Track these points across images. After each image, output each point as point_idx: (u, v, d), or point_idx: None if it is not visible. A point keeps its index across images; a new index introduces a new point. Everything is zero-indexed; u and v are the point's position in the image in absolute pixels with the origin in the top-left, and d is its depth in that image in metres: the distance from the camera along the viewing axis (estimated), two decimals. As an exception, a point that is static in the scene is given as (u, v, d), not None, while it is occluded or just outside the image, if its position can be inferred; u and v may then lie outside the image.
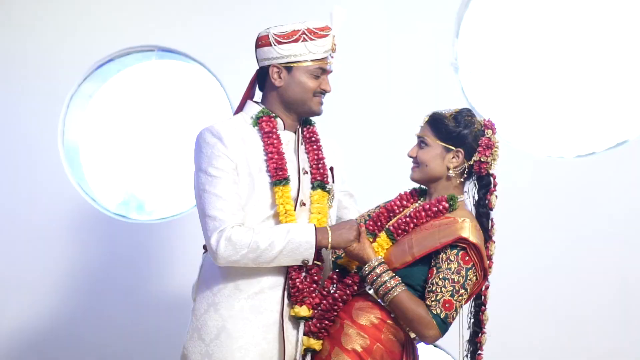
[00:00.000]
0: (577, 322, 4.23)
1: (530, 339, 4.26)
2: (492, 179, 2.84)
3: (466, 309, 2.87)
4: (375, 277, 2.72)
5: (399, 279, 2.71)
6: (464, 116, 2.83)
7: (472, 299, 2.86)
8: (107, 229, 4.79)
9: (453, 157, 2.81)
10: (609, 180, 4.26)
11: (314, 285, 2.84)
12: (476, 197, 2.86)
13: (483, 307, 2.87)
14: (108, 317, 4.73)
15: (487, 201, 2.84)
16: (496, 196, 2.84)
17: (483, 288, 2.84)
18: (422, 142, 2.86)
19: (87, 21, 4.87)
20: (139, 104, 5.10)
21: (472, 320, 2.88)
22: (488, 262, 2.81)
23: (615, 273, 4.21)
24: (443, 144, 2.82)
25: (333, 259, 2.90)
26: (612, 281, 4.20)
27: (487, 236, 2.82)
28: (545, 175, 4.32)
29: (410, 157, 2.88)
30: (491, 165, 2.83)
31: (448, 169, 2.82)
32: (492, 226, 2.84)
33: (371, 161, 4.43)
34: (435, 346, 4.28)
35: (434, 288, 2.68)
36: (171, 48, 4.79)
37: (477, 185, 2.86)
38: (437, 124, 2.83)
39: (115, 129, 5.14)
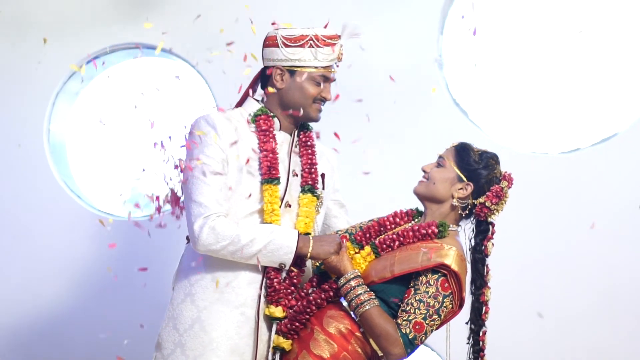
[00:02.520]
0: (562, 321, 4.25)
1: (514, 338, 4.26)
2: (490, 227, 2.87)
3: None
4: (349, 290, 2.75)
5: (373, 294, 2.74)
6: (489, 158, 2.88)
7: (470, 344, 2.89)
8: (94, 226, 4.77)
9: (461, 188, 2.85)
10: (593, 177, 4.27)
11: (292, 287, 2.86)
12: (472, 243, 2.89)
13: (482, 353, 2.89)
14: (96, 314, 4.73)
15: (483, 247, 2.87)
16: (492, 244, 2.87)
17: (480, 334, 2.88)
18: (440, 162, 2.90)
19: (73, 19, 4.84)
20: (125, 101, 5.07)
21: None
22: (484, 308, 2.86)
23: (600, 270, 4.23)
24: (458, 172, 2.86)
25: (317, 264, 2.92)
26: (597, 278, 4.22)
27: (483, 282, 2.86)
28: (529, 171, 4.30)
29: (424, 171, 2.91)
30: (493, 213, 2.86)
31: (452, 197, 2.85)
32: (487, 272, 2.87)
33: (353, 160, 4.43)
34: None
35: (408, 308, 2.72)
36: (156, 45, 4.77)
37: (474, 230, 2.89)
38: (462, 152, 2.88)
39: (101, 126, 5.11)
